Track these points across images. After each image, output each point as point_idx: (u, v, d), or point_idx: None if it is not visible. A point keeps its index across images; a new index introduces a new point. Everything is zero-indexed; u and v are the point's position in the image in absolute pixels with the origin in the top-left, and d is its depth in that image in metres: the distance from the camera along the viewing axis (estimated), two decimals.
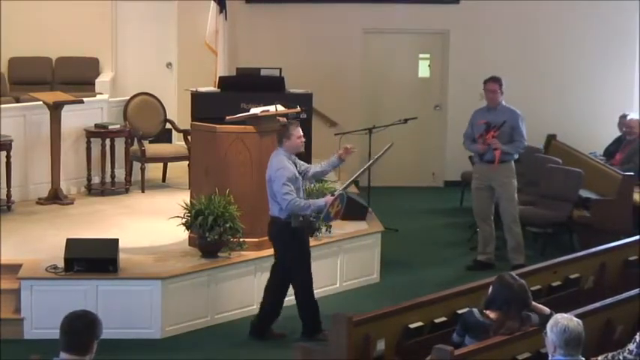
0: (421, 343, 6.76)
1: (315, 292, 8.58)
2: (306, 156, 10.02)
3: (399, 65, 14.24)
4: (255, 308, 8.77)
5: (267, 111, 9.11)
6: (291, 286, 8.52)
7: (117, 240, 8.73)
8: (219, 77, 12.46)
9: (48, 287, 8.48)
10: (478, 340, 6.33)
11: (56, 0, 13.53)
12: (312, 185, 9.59)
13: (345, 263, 9.87)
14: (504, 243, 10.60)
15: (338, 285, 9.81)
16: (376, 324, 6.71)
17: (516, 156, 10.46)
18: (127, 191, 11.60)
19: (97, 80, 13.49)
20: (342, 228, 9.99)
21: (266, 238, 8.71)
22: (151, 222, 10.25)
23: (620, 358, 5.90)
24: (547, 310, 6.44)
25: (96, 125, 11.46)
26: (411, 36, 14.16)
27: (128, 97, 12.18)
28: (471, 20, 13.98)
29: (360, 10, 13.90)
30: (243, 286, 9.04)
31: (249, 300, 9.00)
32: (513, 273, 6.76)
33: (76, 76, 13.66)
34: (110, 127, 11.46)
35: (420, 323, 6.88)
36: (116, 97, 12.66)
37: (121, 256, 8.76)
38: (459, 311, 6.95)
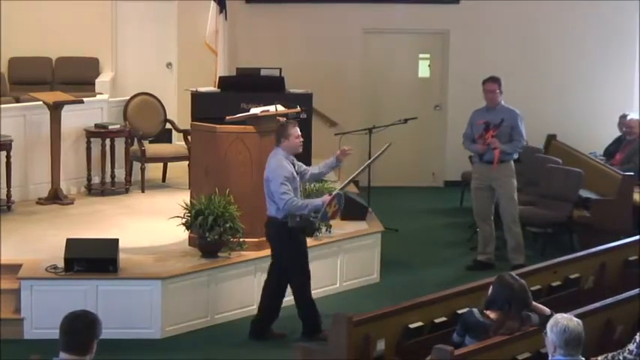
0: (421, 343, 6.75)
1: (314, 292, 8.59)
2: (306, 156, 10.03)
3: (399, 65, 14.23)
4: (255, 308, 8.75)
5: (267, 111, 9.10)
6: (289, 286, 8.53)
7: (117, 240, 8.72)
8: (219, 77, 12.46)
9: (48, 287, 8.47)
10: (478, 340, 6.33)
11: (56, 0, 13.52)
12: (312, 185, 9.59)
13: (345, 263, 9.86)
14: (504, 243, 10.60)
15: (338, 285, 9.81)
16: (376, 324, 6.70)
17: (516, 155, 10.45)
18: (127, 191, 11.60)
19: (97, 80, 13.48)
20: (342, 228, 9.99)
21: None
22: (151, 222, 10.25)
23: (620, 358, 5.90)
24: (547, 310, 6.43)
25: (96, 125, 11.46)
26: (411, 36, 14.15)
27: (128, 97, 12.18)
28: (471, 20, 13.98)
29: (360, 10, 13.89)
30: (243, 286, 9.04)
31: (249, 300, 8.99)
32: (513, 273, 6.75)
33: (76, 76, 13.65)
34: (110, 127, 11.45)
35: (420, 323, 6.87)
36: (116, 97, 12.65)
37: (121, 256, 8.76)
38: (459, 311, 6.94)
